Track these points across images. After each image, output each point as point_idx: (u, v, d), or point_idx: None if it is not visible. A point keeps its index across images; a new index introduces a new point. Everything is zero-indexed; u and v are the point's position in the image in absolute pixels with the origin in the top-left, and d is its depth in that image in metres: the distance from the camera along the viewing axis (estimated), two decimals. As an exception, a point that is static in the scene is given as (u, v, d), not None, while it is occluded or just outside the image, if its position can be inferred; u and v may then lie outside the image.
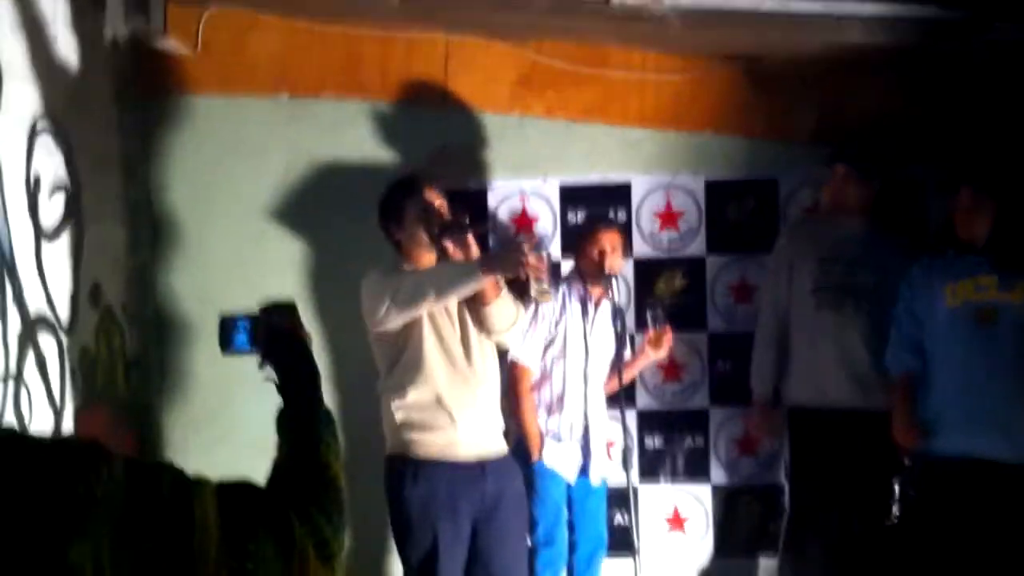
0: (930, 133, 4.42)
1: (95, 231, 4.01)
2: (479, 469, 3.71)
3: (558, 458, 4.17)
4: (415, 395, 3.69)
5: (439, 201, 3.80)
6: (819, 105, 4.52)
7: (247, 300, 4.38)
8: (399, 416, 3.72)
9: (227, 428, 4.44)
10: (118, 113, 4.32)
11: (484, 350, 3.79)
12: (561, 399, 4.20)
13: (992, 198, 3.87)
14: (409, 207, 3.77)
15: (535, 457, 4.13)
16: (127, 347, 4.29)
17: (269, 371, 1.98)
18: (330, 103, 4.61)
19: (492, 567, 3.75)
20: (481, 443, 3.75)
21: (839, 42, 4.07)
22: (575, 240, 4.43)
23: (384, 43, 4.58)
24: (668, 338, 4.32)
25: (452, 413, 3.68)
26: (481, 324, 3.75)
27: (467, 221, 3.76)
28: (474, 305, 3.73)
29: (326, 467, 1.72)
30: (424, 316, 3.67)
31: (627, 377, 4.38)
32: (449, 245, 3.70)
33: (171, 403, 4.58)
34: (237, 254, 4.58)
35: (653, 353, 4.34)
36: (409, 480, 3.69)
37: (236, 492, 1.48)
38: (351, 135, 4.61)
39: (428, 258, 3.80)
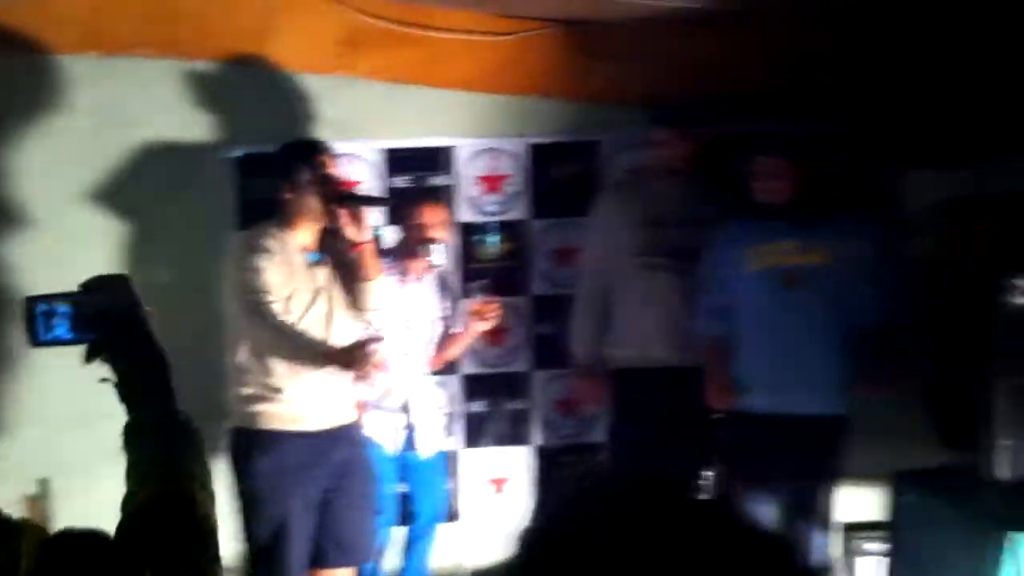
0: (754, 92, 4.49)
1: None
2: (328, 437, 3.71)
3: (379, 429, 4.16)
4: (267, 366, 3.65)
5: (335, 169, 3.76)
6: (642, 66, 4.53)
7: (56, 275, 4.27)
8: (249, 388, 3.67)
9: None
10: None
11: (345, 324, 3.77)
12: (382, 370, 4.17)
13: (791, 161, 3.98)
14: (306, 169, 3.69)
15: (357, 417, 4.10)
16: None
17: (102, 368, 1.65)
18: (143, 62, 4.42)
19: (341, 536, 3.76)
20: (331, 413, 3.74)
21: (661, 4, 4.09)
22: (400, 210, 4.36)
23: (200, 1, 4.40)
24: (493, 310, 4.28)
25: (302, 384, 3.65)
26: (356, 300, 3.73)
27: (369, 195, 3.77)
28: (353, 281, 3.71)
29: (193, 508, 1.42)
30: (287, 291, 3.64)
31: (455, 349, 4.39)
32: (343, 214, 3.64)
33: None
34: (45, 222, 4.38)
35: (480, 325, 4.31)
36: (257, 452, 3.65)
37: (72, 546, 1.22)
38: (166, 95, 4.44)
39: (311, 226, 3.72)
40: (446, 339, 4.31)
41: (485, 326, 4.32)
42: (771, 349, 3.99)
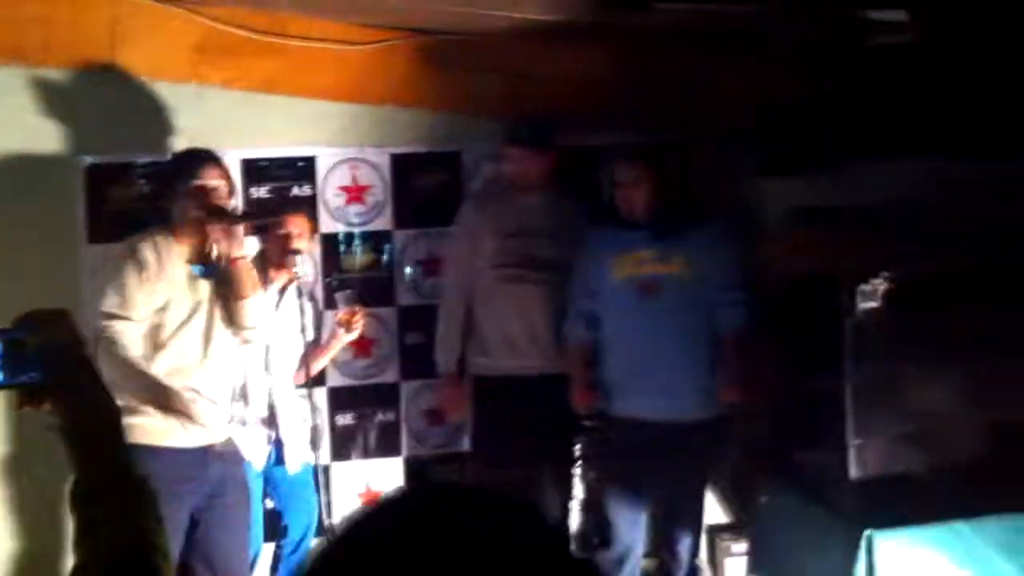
0: (610, 103, 4.55)
1: None
2: (202, 454, 3.62)
3: (246, 445, 4.07)
4: (139, 380, 3.55)
5: (219, 182, 3.64)
6: (501, 78, 4.56)
7: None
8: (121, 401, 3.55)
9: None
10: None
11: (223, 339, 3.69)
12: (244, 386, 4.09)
13: (648, 171, 4.07)
14: (183, 181, 3.61)
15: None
16: None
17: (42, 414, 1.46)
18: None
19: (213, 557, 3.67)
20: (206, 435, 3.65)
21: (519, 16, 4.11)
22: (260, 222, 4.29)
23: (46, 5, 4.25)
24: (359, 319, 4.24)
25: (178, 399, 3.57)
26: (232, 319, 3.65)
27: (241, 211, 3.67)
28: (228, 299, 3.63)
29: None
30: (160, 304, 3.55)
31: (322, 360, 4.34)
32: (212, 230, 3.55)
33: None
34: None
35: (345, 335, 4.27)
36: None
37: None
38: (10, 105, 4.27)
39: (193, 239, 3.64)
40: (312, 351, 4.24)
41: (351, 336, 4.28)
42: (633, 355, 4.07)
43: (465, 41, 4.47)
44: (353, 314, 4.24)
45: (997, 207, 3.92)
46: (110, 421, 1.45)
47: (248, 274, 3.66)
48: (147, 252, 3.57)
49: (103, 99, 4.35)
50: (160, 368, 3.58)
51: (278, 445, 4.15)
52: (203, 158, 3.70)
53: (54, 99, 4.32)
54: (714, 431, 4.12)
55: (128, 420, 3.48)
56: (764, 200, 4.77)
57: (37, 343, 1.48)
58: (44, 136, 4.31)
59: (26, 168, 4.29)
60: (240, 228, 3.63)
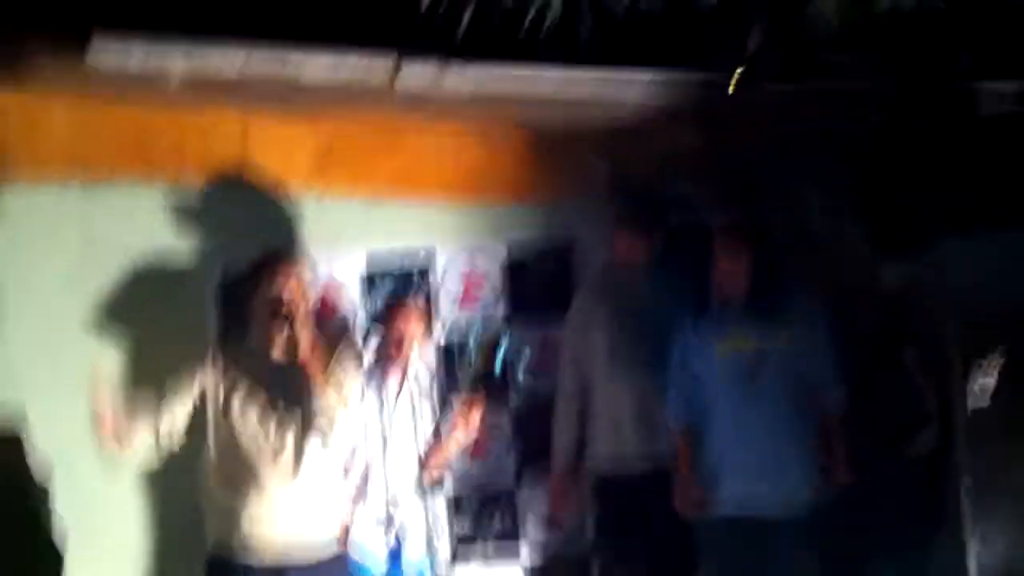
0: (712, 181, 4.57)
1: None
2: (295, 569, 3.68)
3: (365, 549, 4.13)
4: (219, 491, 3.67)
5: (292, 283, 3.75)
6: (607, 164, 4.62)
7: (42, 401, 4.30)
8: (208, 512, 3.67)
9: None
10: None
11: (296, 443, 3.75)
12: (364, 489, 4.14)
13: (748, 251, 4.03)
14: (256, 285, 3.77)
15: (340, 548, 4.05)
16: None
17: None
18: (124, 188, 4.49)
19: None
20: (286, 544, 3.71)
21: (618, 109, 4.19)
22: (377, 324, 4.42)
23: (178, 124, 4.48)
24: (475, 415, 4.24)
25: (252, 512, 3.65)
26: (307, 421, 3.72)
27: (304, 316, 3.73)
28: (302, 398, 3.69)
29: None
30: (219, 411, 3.70)
31: (438, 462, 4.32)
32: (277, 332, 3.67)
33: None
34: (31, 352, 4.37)
35: (462, 433, 4.26)
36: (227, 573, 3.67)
37: None
38: (148, 220, 4.50)
39: (267, 342, 3.75)
40: (430, 451, 4.25)
41: (471, 429, 4.25)
42: (736, 441, 4.00)
43: (570, 133, 4.54)
44: (471, 408, 4.24)
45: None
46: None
47: (319, 375, 3.71)
48: (207, 372, 3.74)
49: (233, 207, 4.53)
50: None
51: (397, 549, 4.18)
52: (273, 259, 3.84)
53: (188, 213, 4.53)
54: (818, 520, 3.99)
55: (216, 534, 3.61)
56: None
57: None
58: (181, 249, 4.51)
59: (163, 278, 4.50)
60: (304, 327, 3.70)
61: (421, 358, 4.29)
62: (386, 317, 4.33)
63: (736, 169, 4.50)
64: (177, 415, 3.73)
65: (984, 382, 3.59)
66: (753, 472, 3.94)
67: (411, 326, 4.22)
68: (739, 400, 4.01)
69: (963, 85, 3.72)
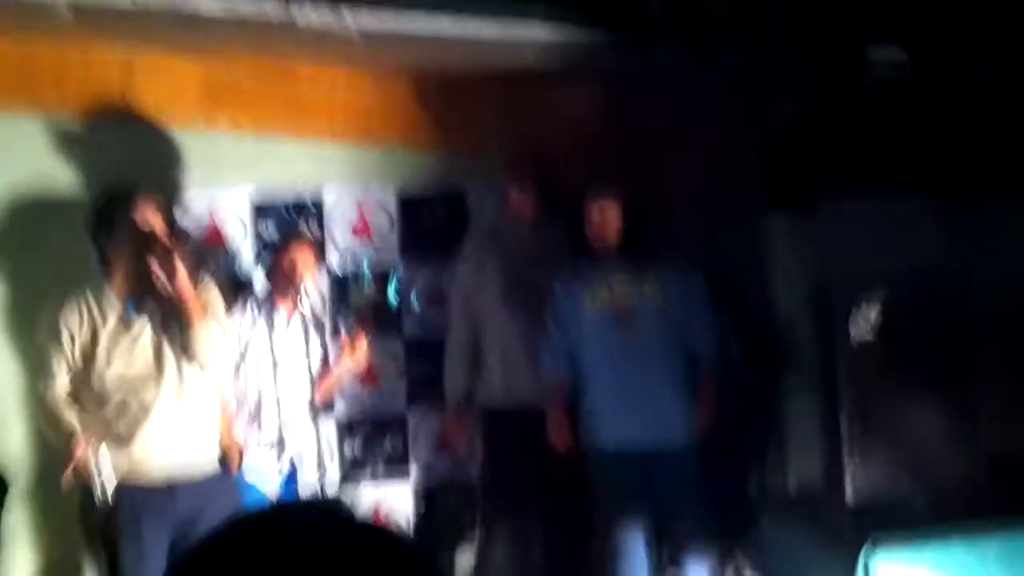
0: (601, 149, 4.66)
1: None
2: (167, 492, 3.69)
3: (258, 471, 4.18)
4: (98, 414, 3.65)
5: (152, 218, 3.72)
6: (500, 119, 4.69)
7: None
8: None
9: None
10: None
11: (181, 366, 3.75)
12: (257, 413, 4.20)
13: (618, 202, 4.24)
14: (117, 223, 3.71)
15: (234, 470, 4.07)
16: None
17: None
18: (4, 118, 4.37)
19: None
20: (172, 464, 3.72)
21: (517, 64, 4.25)
22: (268, 255, 4.45)
23: (61, 56, 4.39)
24: (362, 342, 4.35)
25: (134, 434, 3.66)
26: (184, 347, 3.71)
27: (175, 243, 3.72)
28: (177, 327, 3.69)
29: None
30: (103, 340, 3.66)
31: (328, 387, 4.42)
32: (153, 265, 3.63)
33: None
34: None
35: (350, 359, 4.38)
36: (91, 506, 3.67)
37: None
38: (27, 152, 4.40)
39: (129, 278, 3.71)
40: (321, 376, 4.35)
41: (358, 359, 4.37)
42: (612, 387, 4.20)
43: (466, 84, 4.60)
44: (356, 338, 4.35)
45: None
46: None
47: (195, 303, 3.71)
48: (68, 317, 3.69)
49: (116, 141, 4.47)
50: (111, 409, 3.69)
51: (291, 471, 4.25)
52: (134, 194, 3.80)
53: (70, 145, 4.45)
54: (691, 458, 4.22)
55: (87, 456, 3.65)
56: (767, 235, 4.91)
57: None
58: (58, 180, 4.43)
59: (43, 213, 4.41)
60: (178, 259, 3.68)
61: (312, 287, 4.34)
62: (278, 247, 4.37)
63: (623, 136, 4.62)
64: (63, 367, 3.72)
65: (865, 318, 3.86)
66: (629, 413, 4.15)
67: (302, 255, 4.26)
68: (612, 350, 4.22)
69: (853, 54, 3.92)
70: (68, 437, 3.64)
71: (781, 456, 4.52)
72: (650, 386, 4.18)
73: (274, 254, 4.37)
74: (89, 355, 3.68)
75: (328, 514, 1.04)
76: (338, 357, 4.39)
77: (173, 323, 3.71)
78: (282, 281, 4.25)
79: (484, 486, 4.57)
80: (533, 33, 4.07)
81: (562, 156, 4.62)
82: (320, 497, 4.15)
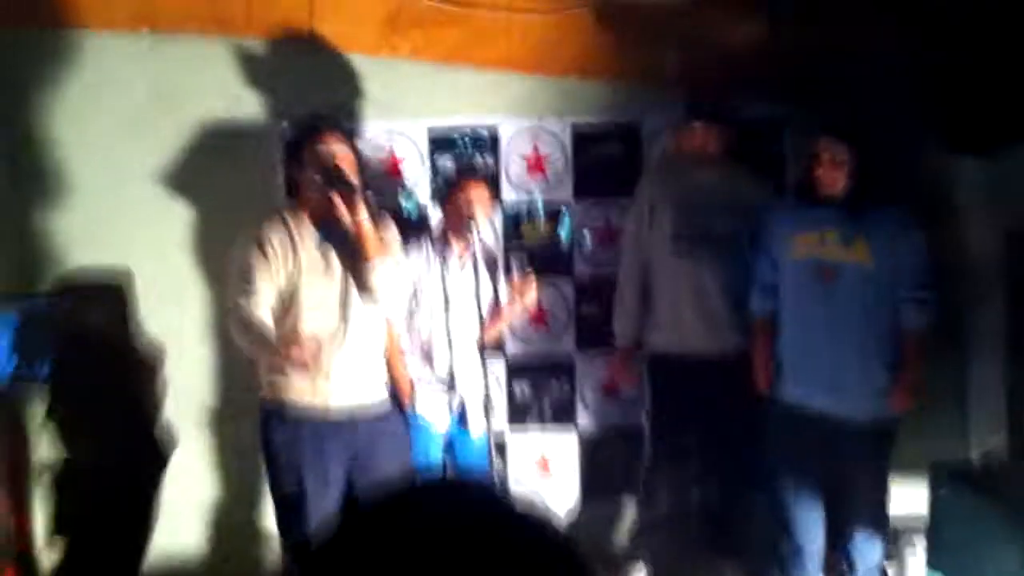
0: (791, 75, 4.41)
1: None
2: (349, 422, 3.73)
3: (429, 408, 4.18)
4: (290, 336, 3.66)
5: (340, 150, 3.73)
6: (680, 48, 4.47)
7: (113, 246, 4.39)
8: (266, 369, 3.74)
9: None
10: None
11: (361, 303, 3.77)
12: (429, 351, 4.19)
13: (853, 150, 3.89)
14: (309, 150, 3.72)
15: (405, 406, 4.13)
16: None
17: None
18: (192, 39, 4.49)
19: None
20: (352, 396, 3.76)
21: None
22: (444, 190, 4.39)
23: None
24: (532, 285, 4.26)
25: (320, 361, 3.66)
26: (359, 282, 3.73)
27: (357, 182, 3.70)
28: (356, 260, 3.70)
29: None
30: (303, 271, 3.68)
31: (496, 327, 4.38)
32: (336, 199, 3.64)
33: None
34: (101, 195, 4.49)
35: (519, 301, 4.30)
36: (276, 424, 3.72)
37: None
38: (214, 72, 4.52)
39: (317, 206, 3.73)
40: (489, 316, 4.28)
41: (527, 302, 4.29)
42: (806, 342, 3.96)
43: (643, 11, 4.42)
44: (527, 280, 4.27)
45: None
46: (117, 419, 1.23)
47: (371, 238, 3.70)
48: (271, 233, 3.69)
49: (298, 68, 4.54)
50: (302, 332, 3.68)
51: (461, 410, 4.23)
52: (322, 125, 3.77)
53: (253, 67, 4.55)
54: (885, 433, 3.95)
55: (279, 380, 3.69)
56: (955, 182, 4.57)
57: (59, 322, 1.06)
58: (245, 103, 4.54)
59: (229, 133, 4.54)
60: (359, 193, 3.67)
61: (486, 226, 4.27)
62: (453, 184, 4.30)
63: (806, 67, 4.34)
64: (266, 289, 3.75)
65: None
66: (815, 373, 3.92)
67: (477, 193, 4.19)
68: (809, 303, 3.96)
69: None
70: (265, 349, 3.66)
71: (964, 426, 4.19)
72: (843, 351, 3.89)
73: (449, 191, 4.29)
74: (289, 272, 3.70)
75: (486, 502, 1.02)
76: (509, 298, 4.33)
77: (352, 256, 3.72)
78: (456, 219, 4.19)
79: (651, 433, 4.45)
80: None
81: (750, 89, 4.38)
82: (488, 448, 4.06)
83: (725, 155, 4.35)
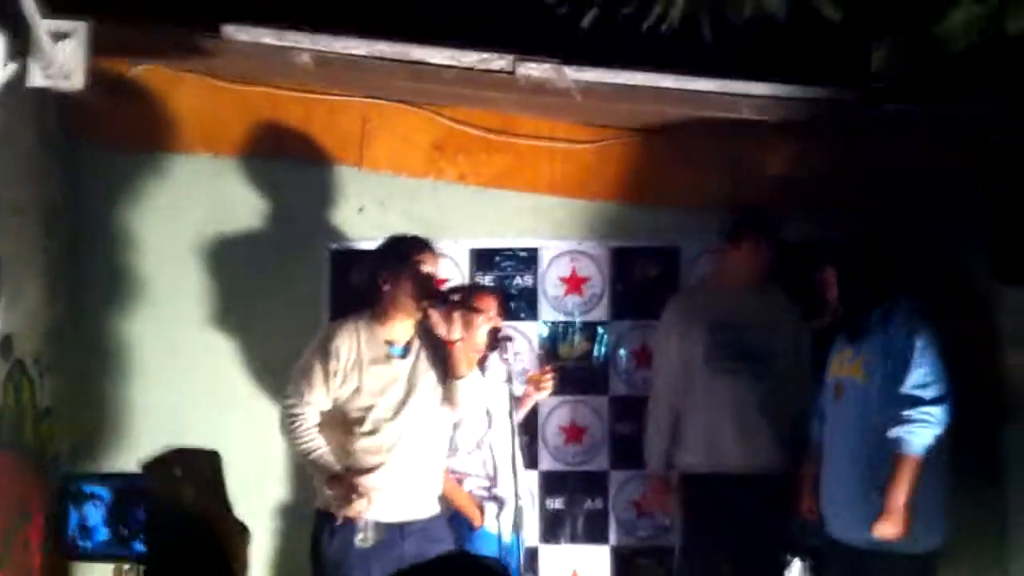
0: (827, 198, 4.50)
1: (11, 283, 4.02)
2: (397, 532, 3.76)
3: (499, 521, 4.14)
4: (344, 442, 3.79)
5: (436, 268, 3.89)
6: (722, 173, 4.61)
7: (170, 365, 4.51)
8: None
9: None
10: (40, 163, 4.37)
11: (423, 415, 3.86)
12: (495, 469, 4.20)
13: (835, 273, 4.00)
14: (408, 264, 3.83)
15: (477, 524, 4.14)
16: (38, 398, 4.34)
17: None
18: (251, 161, 4.71)
19: None
20: (403, 506, 3.80)
21: (734, 118, 4.19)
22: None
23: (305, 105, 4.69)
24: (549, 376, 4.26)
25: (375, 469, 3.75)
26: (446, 397, 3.85)
27: (455, 296, 3.86)
28: (445, 377, 3.83)
29: None
30: (365, 381, 3.79)
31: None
32: (432, 314, 3.78)
33: (85, 450, 4.64)
34: (157, 309, 4.66)
35: (536, 394, 4.31)
36: (326, 536, 3.77)
37: None
38: (271, 193, 4.72)
39: (402, 320, 3.86)
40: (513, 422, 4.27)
41: (542, 394, 4.30)
42: (829, 467, 3.98)
43: (686, 139, 4.57)
44: (544, 372, 4.29)
45: None
46: None
47: (463, 356, 3.83)
48: (339, 341, 3.81)
49: (352, 189, 4.73)
50: (354, 445, 3.79)
51: (498, 519, 4.17)
52: (422, 244, 3.92)
53: (309, 189, 4.74)
54: (915, 567, 3.80)
55: (324, 489, 3.75)
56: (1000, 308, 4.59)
57: (149, 501, 1.08)
58: (297, 222, 4.73)
59: (281, 250, 4.71)
60: (456, 312, 3.80)
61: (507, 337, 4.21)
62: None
63: (854, 192, 4.45)
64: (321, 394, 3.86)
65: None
66: (830, 498, 3.94)
67: (485, 305, 4.14)
68: (829, 425, 4.01)
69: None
70: (319, 471, 3.79)
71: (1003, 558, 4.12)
72: (843, 473, 3.87)
73: (476, 308, 4.20)
74: (350, 378, 3.81)
75: None
76: (526, 392, 4.33)
77: (438, 370, 3.85)
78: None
79: (681, 553, 4.42)
80: (753, 88, 4.02)
81: (790, 211, 4.49)
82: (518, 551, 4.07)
83: (762, 276, 4.39)
